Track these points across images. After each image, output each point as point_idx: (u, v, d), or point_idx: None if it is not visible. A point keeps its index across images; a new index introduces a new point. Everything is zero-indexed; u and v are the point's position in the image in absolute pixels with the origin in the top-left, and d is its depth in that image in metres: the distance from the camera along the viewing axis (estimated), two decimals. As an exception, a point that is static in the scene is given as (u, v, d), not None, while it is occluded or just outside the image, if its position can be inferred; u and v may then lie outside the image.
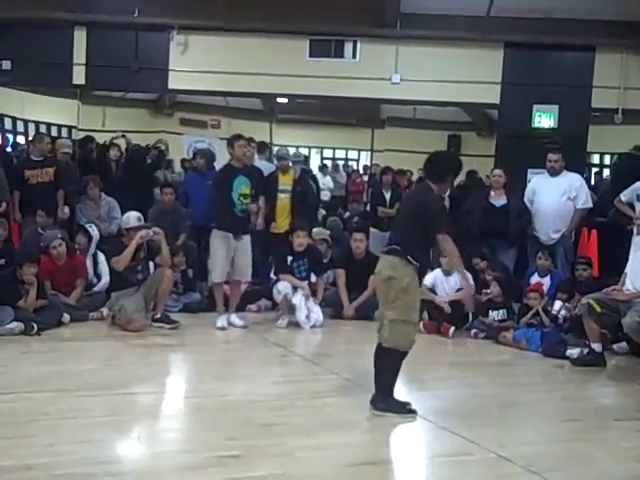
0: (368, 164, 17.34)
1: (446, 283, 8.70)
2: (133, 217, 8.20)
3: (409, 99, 12.68)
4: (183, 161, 14.28)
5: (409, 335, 5.38)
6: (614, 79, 11.68)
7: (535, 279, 8.94)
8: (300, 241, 8.77)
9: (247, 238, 8.25)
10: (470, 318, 8.49)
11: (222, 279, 8.21)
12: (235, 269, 8.21)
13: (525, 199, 9.63)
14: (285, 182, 9.93)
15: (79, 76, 12.44)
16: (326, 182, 15.63)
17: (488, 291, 8.55)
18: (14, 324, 7.27)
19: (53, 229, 8.79)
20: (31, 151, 9.95)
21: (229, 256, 8.07)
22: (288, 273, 8.71)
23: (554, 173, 9.45)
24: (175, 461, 4.31)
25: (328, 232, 10.30)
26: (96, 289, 8.69)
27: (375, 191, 11.13)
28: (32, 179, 9.43)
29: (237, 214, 8.16)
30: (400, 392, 6.39)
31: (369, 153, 17.83)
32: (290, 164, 10.17)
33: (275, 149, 13.77)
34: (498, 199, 9.50)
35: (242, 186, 8.20)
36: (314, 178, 12.09)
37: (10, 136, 14.18)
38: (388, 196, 10.84)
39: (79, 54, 12.34)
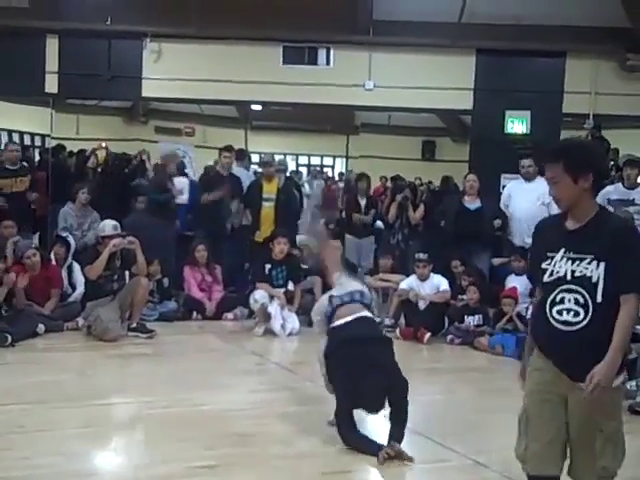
0: (343, 171, 17.35)
1: (422, 288, 8.76)
2: (109, 225, 8.17)
3: (383, 105, 12.71)
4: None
5: None
6: (585, 84, 11.79)
7: (512, 280, 9.00)
8: (281, 248, 8.76)
9: None
10: (446, 324, 8.54)
11: None
12: None
13: (501, 204, 9.70)
14: (269, 190, 9.87)
15: (52, 84, 12.38)
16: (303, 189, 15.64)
17: (464, 297, 8.60)
18: (-13, 335, 7.21)
19: (26, 239, 8.74)
20: (3, 160, 9.86)
21: None
22: (265, 282, 8.70)
23: (528, 178, 9.53)
24: (153, 472, 4.30)
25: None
26: (71, 299, 8.64)
27: (350, 198, 11.15)
28: (6, 189, 9.34)
29: None
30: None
31: (344, 159, 17.85)
32: (274, 171, 10.12)
33: (256, 157, 13.76)
34: (472, 203, 9.56)
35: None
36: (297, 186, 12.09)
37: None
38: (363, 203, 10.87)
39: (51, 62, 12.27)
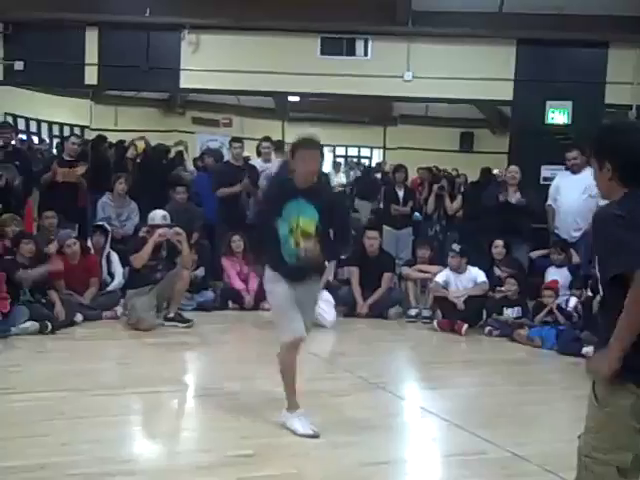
0: (381, 162, 17.30)
1: (459, 281, 8.68)
2: (159, 215, 8.22)
3: (421, 96, 12.64)
4: (195, 160, 14.30)
5: None
6: (628, 75, 11.62)
7: (552, 272, 8.88)
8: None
9: None
10: (484, 316, 8.46)
11: None
12: None
13: (549, 198, 9.56)
14: None
15: (91, 76, 12.48)
16: (339, 180, 15.64)
17: (503, 288, 8.52)
18: (29, 323, 7.28)
19: (65, 228, 8.81)
20: (63, 150, 9.98)
21: None
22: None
23: (575, 171, 9.36)
24: (190, 460, 4.30)
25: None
26: (109, 289, 8.69)
27: (388, 189, 11.08)
28: (60, 177, 9.43)
29: None
30: (414, 390, 6.43)
31: (382, 151, 17.78)
32: None
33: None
34: (513, 196, 9.45)
35: None
36: (326, 176, 12.04)
37: (23, 136, 14.19)
38: (401, 194, 10.79)
39: (91, 54, 12.37)
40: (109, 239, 9.01)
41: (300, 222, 4.61)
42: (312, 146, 4.76)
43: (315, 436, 4.67)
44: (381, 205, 10.92)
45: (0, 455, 4.14)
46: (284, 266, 4.73)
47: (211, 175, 10.43)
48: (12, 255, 7.75)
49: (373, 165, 17.67)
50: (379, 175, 11.33)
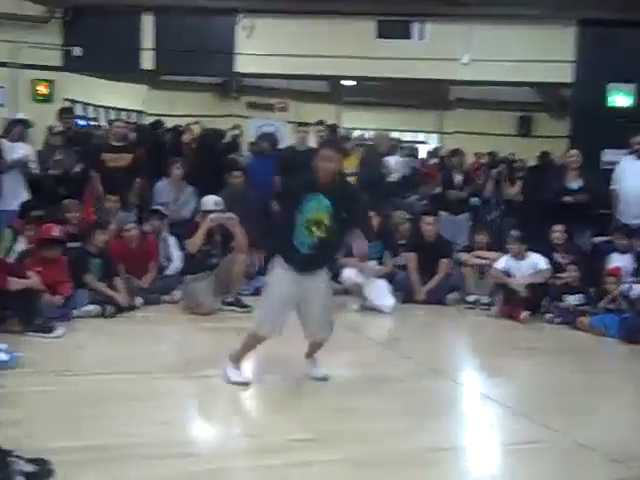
0: (437, 146, 17.15)
1: (519, 267, 8.54)
2: (210, 200, 8.21)
3: (479, 80, 12.47)
4: (250, 144, 14.32)
5: None
6: (695, 56, 11.30)
7: (615, 258, 8.70)
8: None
9: None
10: (545, 302, 8.32)
11: None
12: None
13: (613, 182, 9.37)
14: (349, 165, 9.81)
15: (147, 61, 12.59)
16: (394, 164, 15.51)
17: (563, 275, 8.36)
18: (91, 307, 7.38)
19: (124, 213, 8.90)
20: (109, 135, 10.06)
21: None
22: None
23: None
24: (251, 443, 4.30)
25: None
26: (168, 272, 8.75)
27: (445, 174, 10.95)
28: (109, 162, 9.50)
29: None
30: (473, 377, 6.35)
31: (438, 135, 17.63)
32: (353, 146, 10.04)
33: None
34: (574, 181, 9.27)
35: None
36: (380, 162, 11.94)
37: (81, 122, 14.37)
38: (458, 179, 10.66)
39: (147, 39, 12.46)
40: (166, 223, 9.06)
41: (316, 214, 5.02)
42: (331, 148, 5.19)
43: (245, 383, 5.27)
44: (437, 190, 10.79)
45: (65, 435, 4.18)
46: (295, 255, 5.10)
47: (266, 160, 10.41)
48: (76, 241, 7.86)
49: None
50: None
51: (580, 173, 9.32)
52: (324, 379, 5.52)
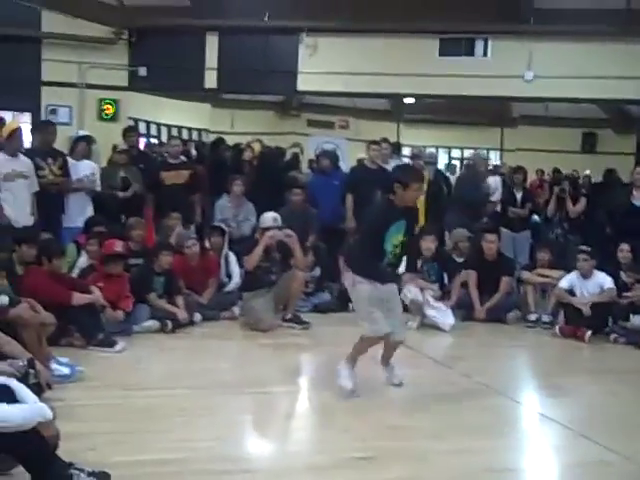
0: (498, 164, 17.01)
1: (584, 286, 8.37)
2: (269, 218, 8.24)
3: (543, 97, 12.36)
4: (310, 162, 14.39)
5: None
6: None
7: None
8: (427, 245, 8.63)
9: None
10: (609, 322, 8.14)
11: None
12: None
13: None
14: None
15: (211, 80, 12.78)
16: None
17: (629, 294, 8.17)
18: (150, 322, 7.47)
19: (185, 230, 9.00)
20: (167, 154, 10.22)
21: None
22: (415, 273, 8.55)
23: None
24: (308, 461, 4.30)
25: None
26: (227, 289, 8.80)
27: (506, 191, 10.84)
28: (167, 180, 9.65)
29: None
30: (534, 397, 6.24)
31: (499, 152, 17.50)
32: (423, 164, 9.98)
33: (407, 150, 13.67)
34: (640, 198, 9.08)
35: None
36: (446, 179, 11.90)
37: (144, 140, 14.64)
38: (519, 196, 10.56)
39: (211, 59, 12.66)
40: (226, 240, 9.13)
41: (398, 238, 5.36)
42: (421, 180, 5.53)
43: (351, 390, 5.44)
44: (498, 208, 10.69)
45: (124, 449, 4.24)
46: (381, 271, 5.41)
47: (328, 177, 10.45)
48: (138, 257, 7.98)
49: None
50: (497, 178, 11.13)
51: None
52: (400, 385, 5.79)
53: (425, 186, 9.55)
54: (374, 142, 10.31)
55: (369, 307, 5.42)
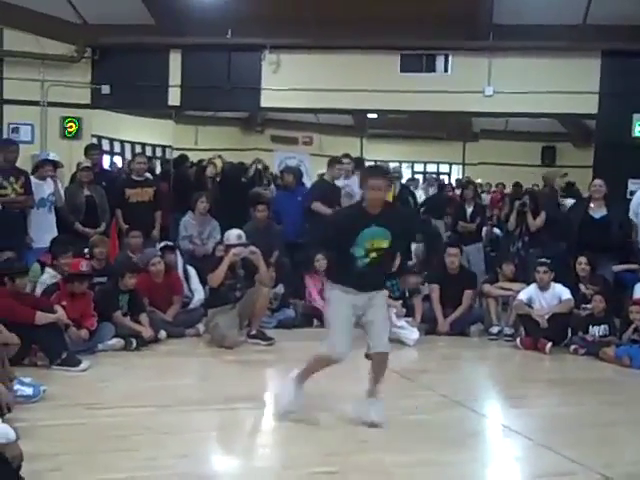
0: (460, 178, 17.16)
1: (543, 298, 8.51)
2: (233, 234, 8.25)
3: (503, 111, 12.52)
4: (274, 177, 14.43)
5: None
6: None
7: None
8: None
9: None
10: (569, 334, 8.27)
11: None
12: None
13: (631, 212, 9.34)
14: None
15: (174, 97, 12.77)
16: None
17: (588, 306, 8.32)
18: (115, 340, 7.45)
19: (148, 247, 8.99)
20: (131, 171, 10.22)
21: None
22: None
23: None
24: (273, 477, 4.32)
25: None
26: (191, 306, 8.80)
27: (457, 206, 11.04)
28: (132, 198, 9.66)
29: None
30: (497, 409, 6.32)
31: (461, 166, 17.66)
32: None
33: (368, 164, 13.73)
34: (598, 211, 9.24)
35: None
36: (412, 194, 12.02)
37: (107, 157, 14.57)
38: (470, 210, 10.76)
39: (174, 76, 12.66)
40: (178, 255, 9.13)
41: (374, 244, 5.03)
42: (379, 175, 5.10)
43: (289, 412, 5.27)
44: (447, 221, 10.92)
45: (90, 469, 4.23)
46: (353, 277, 5.09)
47: (292, 193, 10.51)
48: (100, 276, 7.97)
49: (451, 181, 17.54)
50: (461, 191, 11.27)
51: (605, 203, 9.28)
52: (375, 426, 5.20)
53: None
54: (337, 160, 10.40)
55: (337, 319, 5.16)
